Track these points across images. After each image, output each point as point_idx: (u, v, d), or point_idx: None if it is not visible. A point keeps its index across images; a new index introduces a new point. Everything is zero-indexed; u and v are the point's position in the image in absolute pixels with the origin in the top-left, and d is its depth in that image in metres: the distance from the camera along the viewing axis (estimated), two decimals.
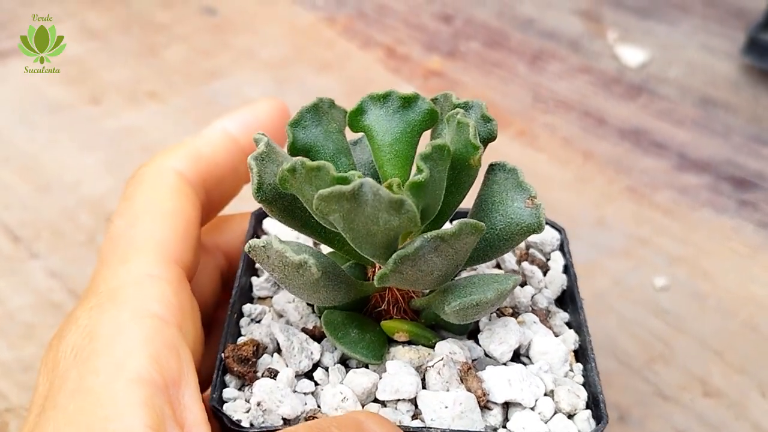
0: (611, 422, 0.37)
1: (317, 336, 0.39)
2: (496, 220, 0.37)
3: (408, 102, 0.37)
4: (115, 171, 0.73)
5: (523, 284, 0.42)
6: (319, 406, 0.36)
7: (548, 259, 0.45)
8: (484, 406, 0.35)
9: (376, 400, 0.36)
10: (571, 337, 0.40)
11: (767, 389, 0.57)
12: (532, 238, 0.44)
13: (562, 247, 0.45)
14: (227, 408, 0.35)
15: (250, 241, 0.34)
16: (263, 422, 0.34)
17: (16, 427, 0.52)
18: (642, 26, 0.99)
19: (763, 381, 0.58)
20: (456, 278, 0.37)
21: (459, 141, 0.35)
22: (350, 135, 0.40)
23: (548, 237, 0.45)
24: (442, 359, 0.36)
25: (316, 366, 0.38)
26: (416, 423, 0.35)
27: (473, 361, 0.38)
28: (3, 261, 0.64)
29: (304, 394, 0.36)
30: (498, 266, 0.44)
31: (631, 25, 0.99)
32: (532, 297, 0.42)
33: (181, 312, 0.36)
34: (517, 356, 0.39)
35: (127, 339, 0.33)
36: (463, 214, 0.40)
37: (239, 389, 0.37)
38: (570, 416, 0.36)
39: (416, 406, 0.36)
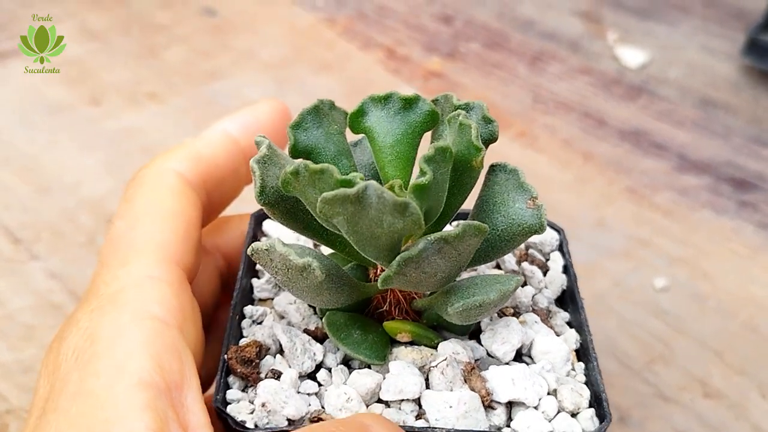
0: (612, 423, 0.37)
1: (319, 337, 0.39)
2: (498, 221, 0.37)
3: (409, 103, 0.37)
4: (115, 172, 0.73)
5: (523, 284, 0.42)
6: (323, 407, 0.36)
7: (548, 260, 0.45)
8: (488, 405, 0.35)
9: (379, 401, 0.36)
10: (572, 337, 0.40)
11: (767, 390, 0.57)
12: (532, 238, 0.44)
13: (561, 248, 0.45)
14: (231, 409, 0.35)
15: (253, 244, 0.34)
16: (268, 423, 0.34)
17: (17, 429, 0.52)
18: (642, 27, 0.99)
19: (763, 382, 0.58)
20: (457, 279, 0.37)
21: (461, 142, 0.35)
22: (350, 136, 0.40)
23: (547, 237, 0.45)
24: (445, 359, 0.36)
25: (318, 367, 0.38)
26: (420, 423, 0.35)
27: (476, 361, 0.38)
28: (3, 262, 0.63)
29: (308, 395, 0.36)
30: (498, 267, 0.44)
31: (631, 26, 0.99)
32: (533, 297, 0.42)
33: (182, 314, 0.36)
34: (519, 356, 0.39)
35: (128, 341, 0.33)
36: (464, 216, 0.40)
37: (242, 390, 0.37)
38: (573, 415, 0.36)
39: (420, 406, 0.36)
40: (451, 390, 0.35)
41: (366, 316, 0.39)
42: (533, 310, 0.41)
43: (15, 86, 0.83)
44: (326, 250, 0.41)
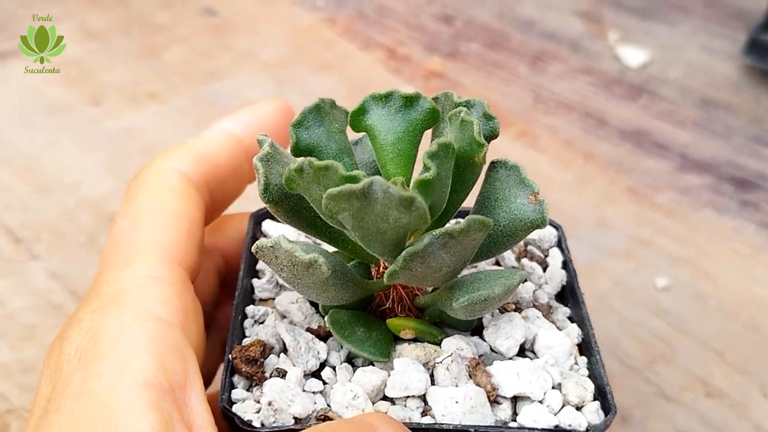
0: (613, 423, 0.37)
1: (322, 335, 0.39)
2: (500, 217, 0.37)
3: (410, 101, 0.37)
4: (116, 172, 0.73)
5: (524, 281, 0.43)
6: (328, 405, 0.36)
7: (546, 256, 0.45)
8: (494, 400, 0.35)
9: (384, 398, 0.36)
10: (574, 331, 0.40)
11: None
12: (531, 235, 0.44)
13: (560, 244, 0.45)
14: (237, 409, 0.35)
15: (257, 242, 0.34)
16: (274, 422, 0.34)
17: (18, 429, 0.52)
18: (642, 27, 0.99)
19: (765, 381, 0.58)
20: (460, 276, 0.37)
21: (463, 139, 0.35)
22: (350, 136, 0.40)
23: (546, 234, 0.45)
24: (450, 355, 0.36)
25: (322, 366, 0.38)
26: (426, 419, 0.35)
27: (480, 356, 0.38)
28: (3, 262, 0.63)
29: (313, 393, 0.36)
30: (497, 264, 0.44)
31: (631, 25, 0.99)
32: (533, 293, 0.42)
33: (185, 314, 0.36)
34: (522, 351, 0.39)
35: (131, 342, 0.33)
36: (464, 213, 0.40)
37: (247, 390, 0.37)
38: (578, 408, 0.36)
39: (425, 402, 0.36)
40: (457, 386, 0.35)
41: (369, 314, 0.39)
42: (534, 306, 0.41)
43: (15, 86, 0.83)
44: (328, 249, 0.41)
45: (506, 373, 0.36)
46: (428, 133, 0.39)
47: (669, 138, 0.81)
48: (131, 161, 0.73)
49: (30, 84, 0.83)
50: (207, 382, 0.44)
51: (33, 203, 0.69)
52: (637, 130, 0.82)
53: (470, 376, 0.36)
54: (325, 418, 0.35)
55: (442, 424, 0.34)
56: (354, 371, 0.37)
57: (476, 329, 0.39)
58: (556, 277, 0.43)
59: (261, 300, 0.42)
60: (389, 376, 0.36)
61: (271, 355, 0.38)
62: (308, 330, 0.39)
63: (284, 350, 0.38)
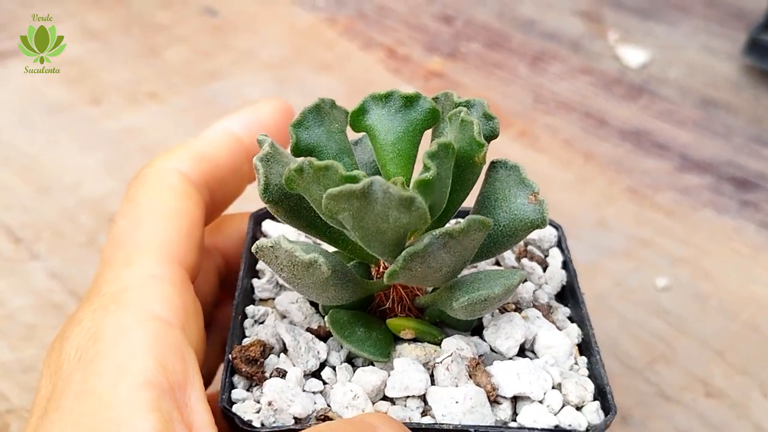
0: (613, 423, 0.37)
1: (322, 336, 0.39)
2: (500, 217, 0.37)
3: (410, 101, 0.37)
4: (116, 172, 0.73)
5: (524, 280, 0.43)
6: (329, 405, 0.36)
7: (546, 256, 0.45)
8: (494, 400, 0.35)
9: (384, 398, 0.36)
10: (574, 331, 0.40)
11: None
12: (531, 235, 0.44)
13: (560, 244, 0.45)
14: (237, 409, 0.35)
15: (257, 242, 0.34)
16: (274, 422, 0.34)
17: (18, 429, 0.52)
18: (643, 27, 0.99)
19: (765, 381, 0.58)
20: (460, 276, 0.37)
21: (463, 139, 0.35)
22: (350, 136, 0.40)
23: (546, 234, 0.45)
24: (450, 355, 0.36)
25: (322, 366, 0.38)
26: (426, 419, 0.35)
27: (480, 356, 0.38)
28: (3, 262, 0.63)
29: (313, 393, 0.36)
30: (497, 264, 0.44)
31: (631, 25, 0.99)
32: (533, 293, 0.42)
33: (185, 314, 0.36)
34: (522, 351, 0.39)
35: (131, 341, 0.33)
36: (464, 214, 0.40)
37: (247, 390, 0.37)
38: (578, 408, 0.36)
39: (425, 402, 0.36)
40: (457, 386, 0.35)
41: (369, 314, 0.39)
42: (534, 306, 0.41)
43: (15, 86, 0.83)
44: (328, 249, 0.41)
45: (506, 373, 0.36)
46: (428, 133, 0.39)
47: (669, 138, 0.81)
48: (131, 161, 0.73)
49: (30, 84, 0.83)
50: (207, 382, 0.43)
51: (33, 203, 0.69)
52: (637, 130, 0.82)
53: (470, 376, 0.36)
54: (325, 418, 0.35)
55: (442, 424, 0.34)
56: (354, 371, 0.37)
57: (476, 329, 0.39)
58: (556, 277, 0.43)
59: (261, 300, 0.42)
60: (389, 376, 0.36)
61: (271, 355, 0.38)
62: (308, 330, 0.39)
63: (284, 350, 0.38)
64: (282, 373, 0.36)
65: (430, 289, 0.39)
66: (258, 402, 0.36)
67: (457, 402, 0.34)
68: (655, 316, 0.62)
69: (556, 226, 0.46)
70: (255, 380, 0.36)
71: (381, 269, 0.38)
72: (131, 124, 0.79)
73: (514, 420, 0.36)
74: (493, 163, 0.38)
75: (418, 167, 0.34)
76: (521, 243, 0.45)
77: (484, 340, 0.38)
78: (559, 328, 0.40)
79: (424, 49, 0.93)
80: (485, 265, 0.43)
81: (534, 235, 0.45)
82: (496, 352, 0.38)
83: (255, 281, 0.42)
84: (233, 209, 0.47)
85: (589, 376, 0.38)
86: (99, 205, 0.69)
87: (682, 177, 0.76)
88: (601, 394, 0.37)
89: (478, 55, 0.93)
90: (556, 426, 0.35)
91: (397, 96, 0.37)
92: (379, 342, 0.37)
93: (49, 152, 0.75)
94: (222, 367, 0.37)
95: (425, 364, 0.37)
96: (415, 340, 0.38)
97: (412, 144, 0.37)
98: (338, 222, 0.33)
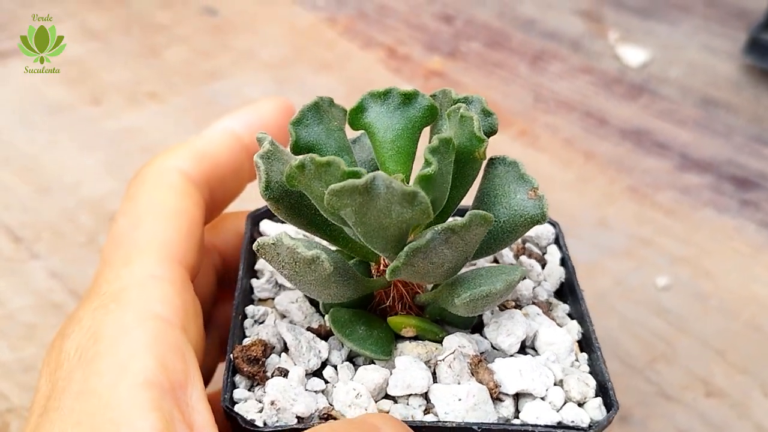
0: (613, 422, 0.37)
1: (323, 335, 0.39)
2: (500, 213, 0.37)
3: (408, 98, 0.37)
4: (116, 172, 0.73)
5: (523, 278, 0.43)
6: (331, 404, 0.36)
7: (544, 253, 0.45)
8: (496, 397, 0.35)
9: (387, 396, 0.36)
10: (574, 328, 0.40)
11: None
12: (529, 232, 0.44)
13: (558, 241, 0.45)
14: (239, 408, 0.35)
15: (258, 239, 0.34)
16: (277, 421, 0.34)
17: (18, 428, 0.52)
18: (643, 26, 0.99)
19: (766, 381, 0.58)
20: (460, 273, 0.37)
21: (462, 135, 0.35)
22: (348, 134, 0.40)
23: (544, 231, 0.45)
24: (452, 352, 0.36)
25: (324, 364, 0.38)
26: (429, 417, 0.35)
27: (481, 353, 0.38)
28: (3, 262, 0.63)
29: (315, 392, 0.36)
30: (495, 261, 0.44)
31: (632, 25, 0.99)
32: (533, 290, 0.42)
33: (185, 313, 0.36)
34: (523, 348, 0.39)
35: (131, 341, 0.33)
36: (463, 211, 0.40)
37: (249, 389, 0.37)
38: (580, 404, 0.36)
39: (428, 400, 0.36)
40: (459, 383, 0.35)
41: (369, 313, 0.39)
42: (534, 303, 0.41)
43: (15, 86, 0.83)
44: (329, 247, 0.41)
45: (508, 370, 0.36)
46: (426, 130, 0.39)
47: (669, 137, 0.81)
48: (131, 161, 0.73)
49: (30, 84, 0.83)
50: (206, 380, 0.43)
51: (33, 203, 0.69)
52: (638, 129, 0.82)
53: (472, 374, 0.36)
54: (328, 417, 0.35)
55: (445, 421, 0.34)
56: (355, 370, 0.37)
57: (476, 327, 0.39)
58: (555, 274, 0.43)
59: (260, 300, 0.42)
60: (391, 374, 0.36)
61: (273, 355, 0.37)
62: (309, 329, 0.39)
63: (285, 349, 0.38)
64: (284, 373, 0.36)
65: (430, 287, 0.39)
66: (260, 401, 0.35)
67: (459, 399, 0.34)
68: (655, 315, 0.62)
69: (554, 224, 0.46)
70: (257, 380, 0.36)
71: (381, 267, 0.38)
72: (131, 124, 0.79)
73: (517, 417, 0.36)
74: (491, 160, 0.38)
75: (417, 165, 0.34)
76: (519, 240, 0.45)
77: (485, 338, 0.38)
78: (559, 325, 0.40)
79: (424, 48, 0.93)
80: (484, 262, 0.43)
81: (532, 232, 0.45)
82: (497, 349, 0.38)
83: (254, 281, 0.42)
84: (231, 208, 0.47)
85: (591, 373, 0.38)
86: (99, 205, 0.69)
87: (682, 176, 0.76)
88: (603, 391, 0.37)
89: (479, 55, 0.93)
90: (559, 422, 0.35)
91: (395, 93, 0.37)
92: (381, 340, 0.37)
93: (49, 152, 0.75)
94: (223, 366, 0.37)
95: (427, 362, 0.37)
96: (416, 338, 0.38)
97: (411, 141, 0.37)
98: (340, 219, 0.33)
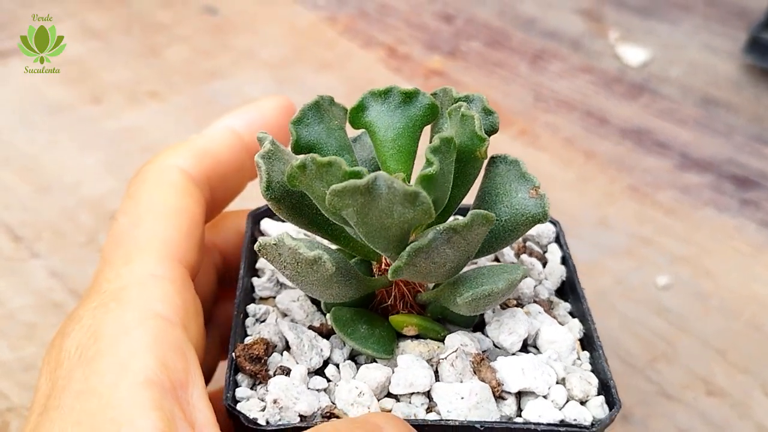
0: (614, 421, 0.37)
1: (324, 333, 0.39)
2: (501, 212, 0.37)
3: (409, 97, 0.37)
4: (116, 171, 0.73)
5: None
6: (333, 402, 0.36)
7: (545, 252, 0.45)
8: (499, 396, 0.35)
9: (389, 395, 0.36)
10: (575, 326, 0.40)
11: None
12: (529, 231, 0.44)
13: (558, 239, 0.45)
14: (241, 407, 0.35)
15: (260, 239, 0.34)
16: (280, 420, 0.34)
17: (18, 427, 0.52)
18: (643, 26, 0.99)
19: (767, 380, 0.58)
20: (462, 272, 0.37)
21: (463, 134, 0.35)
22: (349, 133, 0.40)
23: (544, 230, 0.45)
24: (455, 351, 0.36)
25: (326, 363, 0.38)
26: (432, 416, 0.35)
27: (483, 352, 0.38)
28: (4, 261, 0.63)
29: (317, 390, 0.36)
30: (497, 260, 0.44)
31: (632, 24, 0.99)
32: (534, 288, 0.42)
33: (185, 312, 0.36)
34: (525, 346, 0.39)
35: (132, 340, 0.33)
36: (464, 211, 0.40)
37: (251, 388, 0.36)
38: (583, 403, 0.36)
39: (430, 399, 0.36)
40: (461, 381, 0.35)
41: (371, 312, 0.39)
42: (535, 302, 0.41)
43: (15, 86, 0.83)
44: (330, 246, 0.41)
45: (510, 368, 0.36)
46: (427, 129, 0.39)
47: (670, 137, 0.81)
48: (131, 160, 0.73)
49: (30, 84, 0.83)
50: (206, 379, 0.43)
51: (33, 203, 0.69)
52: (638, 128, 0.82)
53: (475, 372, 0.36)
54: (331, 416, 0.35)
55: (448, 420, 0.34)
56: (357, 368, 0.37)
57: (477, 326, 0.39)
58: (556, 272, 0.43)
59: (261, 299, 0.42)
60: (393, 372, 0.36)
61: (274, 353, 0.37)
62: (310, 328, 0.39)
63: (287, 348, 0.38)
64: (286, 371, 0.36)
65: (431, 285, 0.39)
66: (262, 400, 0.35)
67: (462, 398, 0.34)
68: (656, 314, 0.62)
69: (554, 222, 0.46)
70: (259, 378, 0.36)
71: (383, 266, 0.38)
72: (131, 123, 0.79)
73: (519, 415, 0.36)
74: (492, 159, 0.38)
75: (418, 163, 0.34)
76: (520, 239, 0.45)
77: (487, 336, 0.38)
78: (560, 323, 0.40)
79: (424, 47, 0.93)
80: (485, 261, 0.43)
81: (533, 231, 0.45)
82: (499, 348, 0.38)
83: (255, 280, 0.42)
84: (232, 207, 0.47)
85: (593, 371, 0.38)
86: (99, 205, 0.69)
87: (682, 175, 0.76)
88: (605, 389, 0.37)
89: (479, 54, 0.93)
90: (562, 421, 0.35)
91: (396, 92, 0.37)
92: (383, 339, 0.37)
93: (49, 152, 0.75)
94: (225, 365, 0.37)
95: (429, 361, 0.37)
96: (417, 336, 0.38)
97: (411, 140, 0.37)
98: (341, 218, 0.33)
